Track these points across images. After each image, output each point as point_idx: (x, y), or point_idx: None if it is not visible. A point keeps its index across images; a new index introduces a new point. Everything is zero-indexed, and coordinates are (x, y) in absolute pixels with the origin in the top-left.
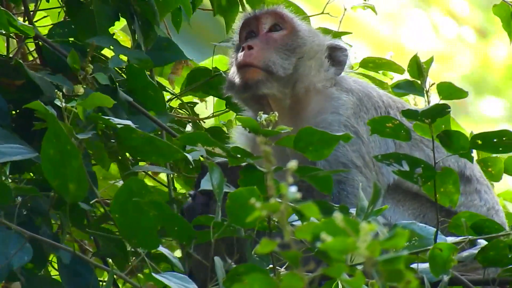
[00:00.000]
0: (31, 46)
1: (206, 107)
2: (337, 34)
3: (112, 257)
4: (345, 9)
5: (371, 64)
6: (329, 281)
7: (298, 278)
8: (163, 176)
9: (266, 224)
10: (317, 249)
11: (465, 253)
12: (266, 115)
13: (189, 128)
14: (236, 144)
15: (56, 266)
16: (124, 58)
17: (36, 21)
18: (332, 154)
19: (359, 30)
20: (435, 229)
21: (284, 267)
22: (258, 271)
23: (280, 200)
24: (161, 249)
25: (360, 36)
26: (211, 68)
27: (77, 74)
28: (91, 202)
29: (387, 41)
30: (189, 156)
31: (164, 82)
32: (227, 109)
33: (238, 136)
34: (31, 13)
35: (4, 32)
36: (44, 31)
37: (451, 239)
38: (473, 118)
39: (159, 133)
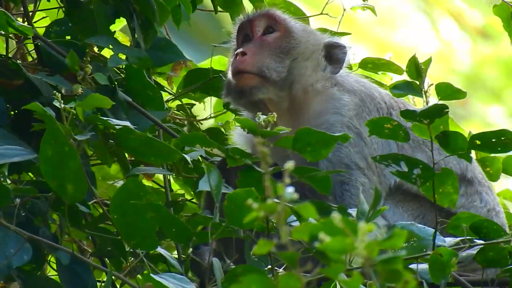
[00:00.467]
0: (31, 47)
1: (205, 108)
2: (336, 35)
3: (109, 257)
4: (344, 10)
5: (370, 64)
6: (327, 282)
7: (296, 278)
8: (161, 177)
9: (264, 225)
10: (316, 250)
11: (464, 254)
12: (265, 116)
13: (185, 129)
14: (236, 145)
15: (54, 266)
16: (123, 57)
17: (35, 22)
18: (335, 155)
19: (359, 31)
20: (434, 230)
21: (282, 267)
22: (256, 272)
23: (277, 201)
24: (160, 250)
25: (360, 36)
26: (210, 69)
27: (75, 74)
28: (89, 203)
29: (386, 42)
30: (188, 157)
31: (163, 82)
32: (225, 110)
33: (237, 137)
34: (30, 13)
35: (3, 32)
36: (43, 32)
37: (449, 240)
38: (474, 119)
39: (156, 133)
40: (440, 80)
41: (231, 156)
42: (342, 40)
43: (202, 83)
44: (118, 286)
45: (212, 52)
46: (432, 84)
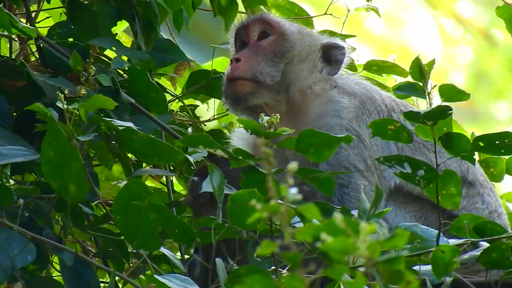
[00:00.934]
0: (34, 48)
1: (208, 109)
2: (340, 37)
3: (112, 258)
4: (349, 11)
5: (375, 67)
6: (330, 283)
7: (299, 279)
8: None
9: (267, 226)
10: (319, 251)
11: (467, 255)
12: (268, 117)
13: (189, 131)
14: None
15: (57, 267)
16: (125, 58)
17: (38, 22)
18: (334, 157)
19: (363, 32)
20: (437, 231)
21: (285, 269)
22: (259, 273)
23: (281, 202)
24: (163, 250)
25: (364, 38)
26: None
27: (79, 76)
28: (93, 204)
29: (391, 43)
30: (190, 158)
31: (165, 83)
32: (227, 112)
33: (237, 141)
34: (34, 13)
35: (6, 33)
36: (46, 32)
37: (453, 241)
38: (481, 119)
39: (159, 135)
40: (444, 78)
41: (234, 157)
42: (341, 41)
43: (204, 83)
44: (120, 286)
45: (213, 53)
46: (435, 86)
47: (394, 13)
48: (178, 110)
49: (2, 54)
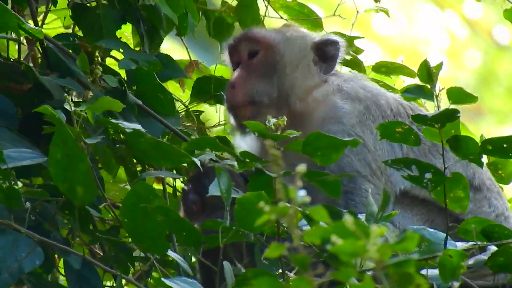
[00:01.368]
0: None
1: (217, 111)
2: (349, 39)
3: (117, 263)
4: (358, 12)
5: (384, 68)
6: (338, 286)
7: (307, 282)
8: (171, 180)
9: (275, 229)
10: (327, 254)
11: (473, 259)
12: (275, 119)
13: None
14: None
15: (62, 271)
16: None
17: (46, 24)
18: (337, 164)
19: (370, 33)
20: (444, 235)
21: (293, 271)
22: (266, 276)
23: (289, 205)
24: (170, 253)
25: (372, 38)
26: (219, 75)
27: (84, 78)
28: (100, 207)
29: (399, 44)
30: (197, 161)
31: (172, 87)
32: None
33: (240, 146)
34: (42, 15)
35: (14, 36)
36: (53, 34)
37: (460, 245)
38: (486, 116)
39: (167, 136)
40: (452, 79)
41: (241, 160)
42: (334, 36)
43: (210, 96)
44: None
45: (218, 57)
46: (443, 88)
47: (402, 14)
48: (183, 115)
49: (10, 56)
